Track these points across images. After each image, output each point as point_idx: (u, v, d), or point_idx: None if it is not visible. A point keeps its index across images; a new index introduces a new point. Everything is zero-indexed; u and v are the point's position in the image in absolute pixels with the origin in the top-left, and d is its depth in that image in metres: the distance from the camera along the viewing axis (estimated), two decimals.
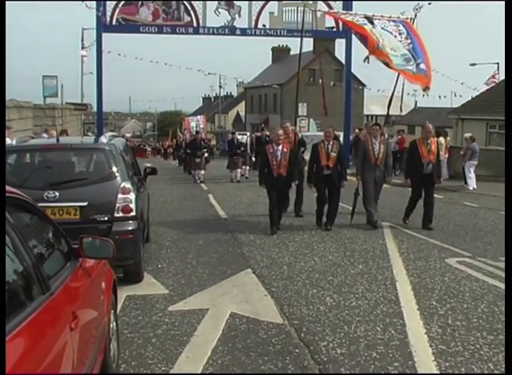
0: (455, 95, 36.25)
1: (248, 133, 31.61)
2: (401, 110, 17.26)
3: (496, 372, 5.26)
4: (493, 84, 35.47)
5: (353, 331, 6.23)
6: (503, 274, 8.52)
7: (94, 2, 28.54)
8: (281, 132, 12.26)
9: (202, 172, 24.52)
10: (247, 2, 30.47)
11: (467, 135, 22.14)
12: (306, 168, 13.30)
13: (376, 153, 12.46)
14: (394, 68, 12.71)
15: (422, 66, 12.76)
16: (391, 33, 13.26)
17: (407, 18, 14.18)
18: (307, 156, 14.23)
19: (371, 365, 5.37)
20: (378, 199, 12.91)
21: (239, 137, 28.60)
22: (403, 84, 14.05)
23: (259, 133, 28.05)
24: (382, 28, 13.27)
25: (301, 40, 15.75)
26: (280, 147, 11.77)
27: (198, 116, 44.88)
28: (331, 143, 12.33)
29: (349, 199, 13.31)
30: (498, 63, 38.32)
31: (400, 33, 13.33)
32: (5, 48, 9.39)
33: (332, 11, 13.07)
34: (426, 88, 12.89)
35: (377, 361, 5.45)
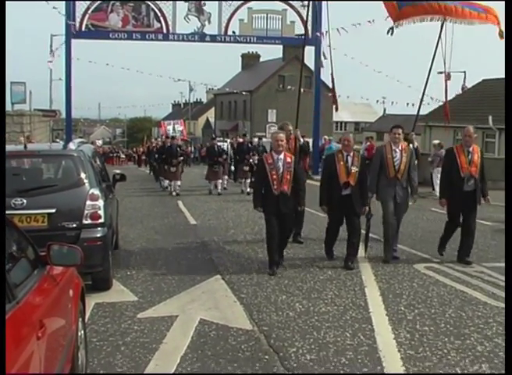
0: (423, 104, 36.74)
1: (228, 140, 29.71)
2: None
3: (488, 372, 5.32)
4: (461, 92, 36.04)
5: (322, 337, 6.25)
6: (470, 280, 8.66)
7: (64, 6, 28.36)
8: (282, 136, 9.37)
9: (179, 183, 21.56)
10: (216, 9, 30.53)
11: (436, 142, 22.39)
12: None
13: (397, 164, 9.81)
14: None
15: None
16: None
17: None
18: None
19: (340, 370, 5.39)
20: (399, 227, 10.26)
21: (219, 143, 26.00)
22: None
23: (241, 139, 25.94)
24: None
25: (303, 53, 14.29)
26: (282, 156, 9.15)
27: (176, 120, 44.21)
28: (351, 154, 9.59)
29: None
30: (465, 72, 38.96)
31: None
32: (5, 48, 9.26)
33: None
34: (499, 29, 11.01)
35: (346, 367, 5.48)
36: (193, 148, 55.58)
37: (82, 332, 5.06)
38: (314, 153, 29.47)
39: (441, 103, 36.56)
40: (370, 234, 10.29)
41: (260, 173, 9.32)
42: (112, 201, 9.58)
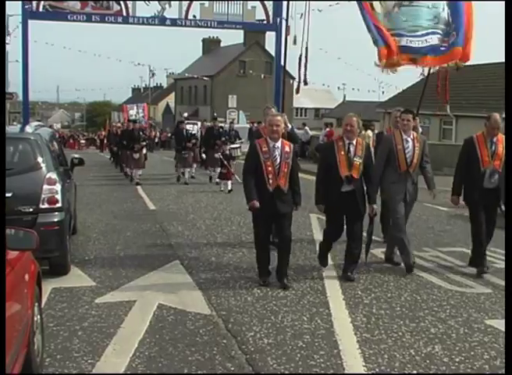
0: (383, 93, 37.19)
1: (199, 123, 27.34)
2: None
3: (441, 353, 5.43)
4: (422, 77, 36.44)
5: (280, 321, 6.30)
6: (426, 264, 8.82)
7: None
8: (279, 119, 7.82)
9: (140, 172, 20.17)
10: None
11: None
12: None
13: (409, 156, 8.43)
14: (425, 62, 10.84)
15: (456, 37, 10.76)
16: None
17: None
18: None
19: (298, 354, 5.46)
20: (406, 219, 8.85)
21: (188, 127, 23.55)
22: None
23: (209, 124, 23.95)
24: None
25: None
26: (279, 144, 7.65)
27: (139, 104, 43.27)
28: (354, 142, 7.95)
29: None
30: None
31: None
32: (5, 48, 9.03)
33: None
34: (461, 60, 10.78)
35: (303, 350, 5.54)
36: (158, 133, 55.01)
37: (38, 317, 5.01)
38: None
39: (399, 90, 37.14)
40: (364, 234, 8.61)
41: (251, 163, 7.66)
42: (69, 185, 9.48)
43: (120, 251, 9.47)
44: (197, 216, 12.96)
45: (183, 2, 30.24)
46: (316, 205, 8.22)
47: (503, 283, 7.59)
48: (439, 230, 11.49)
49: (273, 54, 33.95)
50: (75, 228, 10.27)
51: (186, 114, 33.32)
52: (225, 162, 17.82)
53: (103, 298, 7.05)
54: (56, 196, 7.76)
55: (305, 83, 13.18)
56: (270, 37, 27.19)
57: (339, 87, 61.41)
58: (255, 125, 27.09)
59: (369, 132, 21.08)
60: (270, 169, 7.52)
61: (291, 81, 55.20)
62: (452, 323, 6.31)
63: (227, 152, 18.41)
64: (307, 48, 12.02)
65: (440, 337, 5.91)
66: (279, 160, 7.57)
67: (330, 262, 8.82)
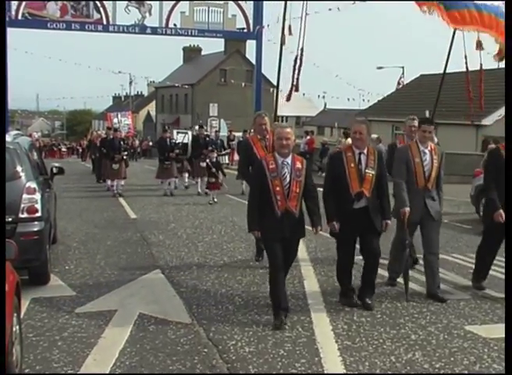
0: (363, 100, 37.47)
1: (189, 132, 25.99)
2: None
3: (421, 359, 5.45)
4: (400, 86, 36.74)
5: (261, 330, 6.30)
6: None
7: None
8: (289, 131, 6.67)
9: (122, 182, 19.24)
10: (157, 1, 30.26)
11: (374, 136, 22.69)
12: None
13: (427, 170, 7.57)
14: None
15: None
16: None
17: None
18: None
19: (279, 362, 5.46)
20: (437, 249, 7.90)
21: (176, 136, 21.96)
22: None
23: (194, 132, 23.04)
24: None
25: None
26: (289, 160, 6.62)
27: (124, 112, 42.68)
28: (365, 152, 7.09)
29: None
30: (403, 67, 39.73)
31: None
32: (6, 48, 8.96)
33: None
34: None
35: (284, 358, 5.54)
36: (137, 142, 54.61)
37: (17, 327, 4.97)
38: None
39: (380, 98, 37.42)
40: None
41: (257, 182, 6.69)
42: (49, 194, 9.43)
43: (101, 261, 9.42)
44: (178, 224, 12.94)
45: (164, 10, 30.34)
46: (328, 224, 7.10)
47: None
48: (419, 237, 11.53)
49: (254, 62, 34.10)
50: (55, 237, 10.21)
51: (201, 121, 32.95)
52: (213, 170, 16.91)
53: (83, 308, 7.00)
54: (36, 205, 7.71)
55: (296, 89, 12.11)
56: (251, 46, 27.26)
57: (319, 95, 61.57)
58: (239, 135, 26.55)
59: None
60: (278, 189, 6.50)
61: (271, 89, 55.52)
62: (432, 330, 6.35)
63: (214, 160, 17.40)
64: (302, 49, 11.15)
65: (420, 344, 5.94)
66: (288, 179, 6.55)
67: (312, 270, 8.85)
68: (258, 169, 6.72)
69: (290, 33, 11.65)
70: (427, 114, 29.65)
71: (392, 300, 7.44)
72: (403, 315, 6.87)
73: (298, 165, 6.63)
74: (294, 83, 11.32)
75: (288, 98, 11.39)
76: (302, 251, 10.05)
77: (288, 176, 6.54)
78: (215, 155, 17.92)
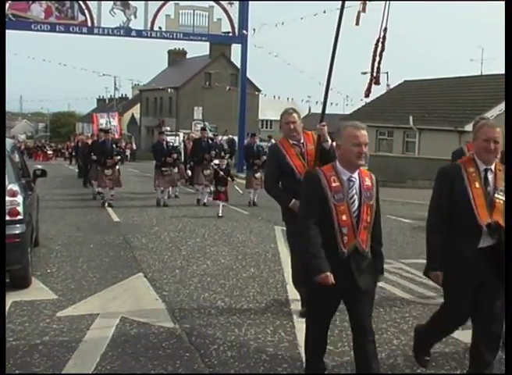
0: (347, 105, 37.66)
1: (181, 134, 24.40)
2: None
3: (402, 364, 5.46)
4: (383, 92, 36.96)
5: (243, 334, 6.29)
6: (389, 276, 8.86)
7: None
8: (364, 134, 4.72)
9: (112, 192, 17.26)
10: (143, 3, 30.24)
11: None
12: None
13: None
14: None
15: None
16: None
17: None
18: None
19: (261, 367, 5.44)
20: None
21: (170, 138, 20.18)
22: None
23: (195, 135, 21.77)
24: None
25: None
26: (357, 176, 4.55)
27: (111, 113, 41.77)
28: (492, 167, 4.80)
29: None
30: (387, 73, 39.93)
31: None
32: (5, 49, 8.89)
33: None
34: None
35: (266, 363, 5.53)
36: (134, 146, 54.24)
37: None
38: (239, 151, 29.63)
39: (363, 103, 37.55)
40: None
41: (311, 206, 4.50)
42: (32, 197, 9.38)
43: (83, 264, 9.37)
44: (161, 228, 12.91)
45: (149, 13, 30.32)
46: (426, 274, 5.04)
47: None
48: (401, 242, 11.60)
49: (239, 66, 34.14)
50: (37, 240, 10.14)
51: (168, 128, 32.65)
52: (224, 175, 14.96)
53: (65, 312, 6.95)
54: (18, 208, 7.66)
55: (377, 81, 9.28)
56: (236, 49, 27.29)
57: (303, 100, 61.66)
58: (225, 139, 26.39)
59: (334, 143, 21.19)
60: (345, 218, 4.45)
61: (256, 93, 55.57)
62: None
63: (223, 167, 15.38)
64: (386, 30, 8.54)
65: (402, 349, 5.95)
66: (357, 203, 4.51)
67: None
68: (314, 188, 4.52)
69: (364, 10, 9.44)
70: (410, 120, 29.89)
71: (374, 305, 7.32)
72: (385, 320, 6.88)
73: (367, 182, 4.60)
74: (374, 74, 9.01)
75: (367, 94, 8.98)
76: (285, 255, 10.08)
77: (357, 200, 4.51)
78: (225, 162, 16.20)
